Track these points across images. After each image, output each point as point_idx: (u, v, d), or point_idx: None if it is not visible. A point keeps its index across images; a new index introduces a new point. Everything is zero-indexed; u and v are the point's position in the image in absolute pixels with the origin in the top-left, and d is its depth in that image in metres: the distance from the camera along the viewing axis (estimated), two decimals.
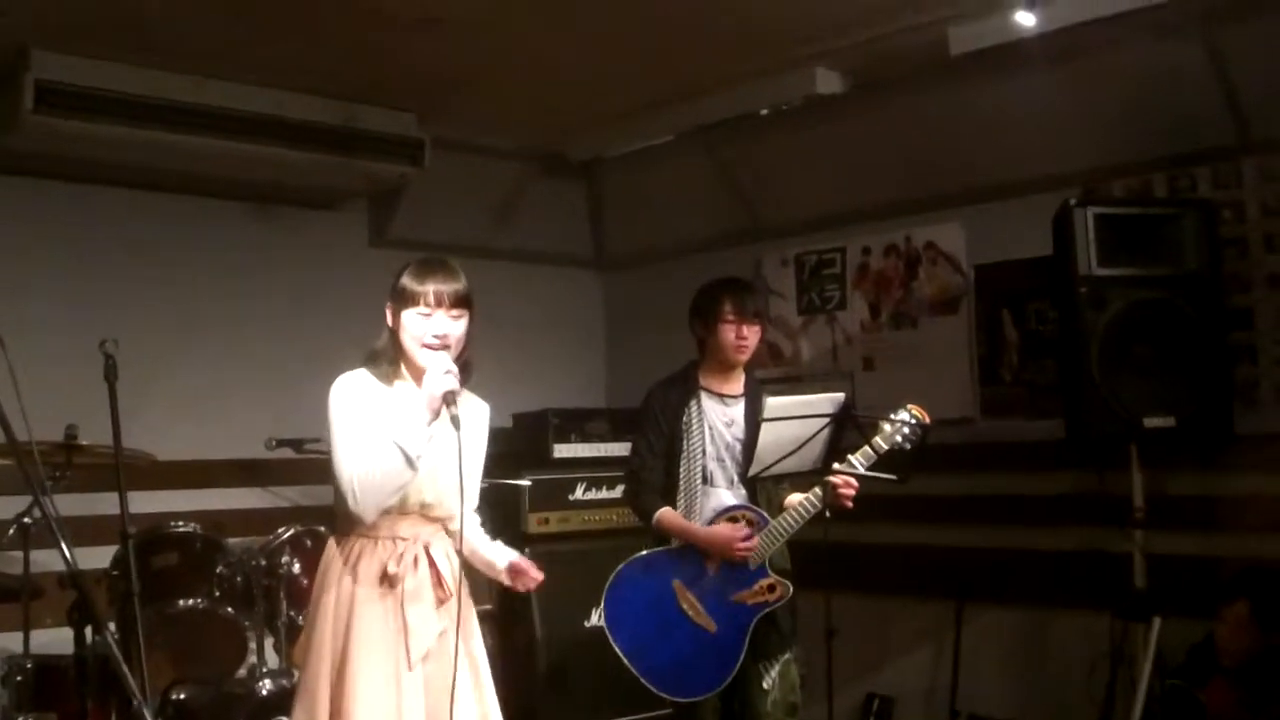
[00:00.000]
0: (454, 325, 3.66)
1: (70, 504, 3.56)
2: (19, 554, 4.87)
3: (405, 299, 3.63)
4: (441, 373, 3.54)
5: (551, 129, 7.18)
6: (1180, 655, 5.05)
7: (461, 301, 3.67)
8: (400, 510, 3.63)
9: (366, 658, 3.54)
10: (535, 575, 3.91)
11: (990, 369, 6.35)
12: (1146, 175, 5.75)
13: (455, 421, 3.51)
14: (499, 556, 3.93)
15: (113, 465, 4.27)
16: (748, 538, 4.61)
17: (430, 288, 3.62)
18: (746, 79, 6.23)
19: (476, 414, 3.86)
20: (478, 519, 3.97)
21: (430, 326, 3.62)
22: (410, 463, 3.50)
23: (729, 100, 6.46)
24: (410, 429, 3.50)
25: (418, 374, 3.66)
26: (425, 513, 3.69)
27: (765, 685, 4.66)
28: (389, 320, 3.70)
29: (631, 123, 6.93)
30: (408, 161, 6.62)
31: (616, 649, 4.63)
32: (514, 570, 3.90)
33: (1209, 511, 5.47)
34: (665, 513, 4.71)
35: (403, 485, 3.55)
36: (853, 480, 4.56)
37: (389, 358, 3.71)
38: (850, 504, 4.56)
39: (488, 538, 3.99)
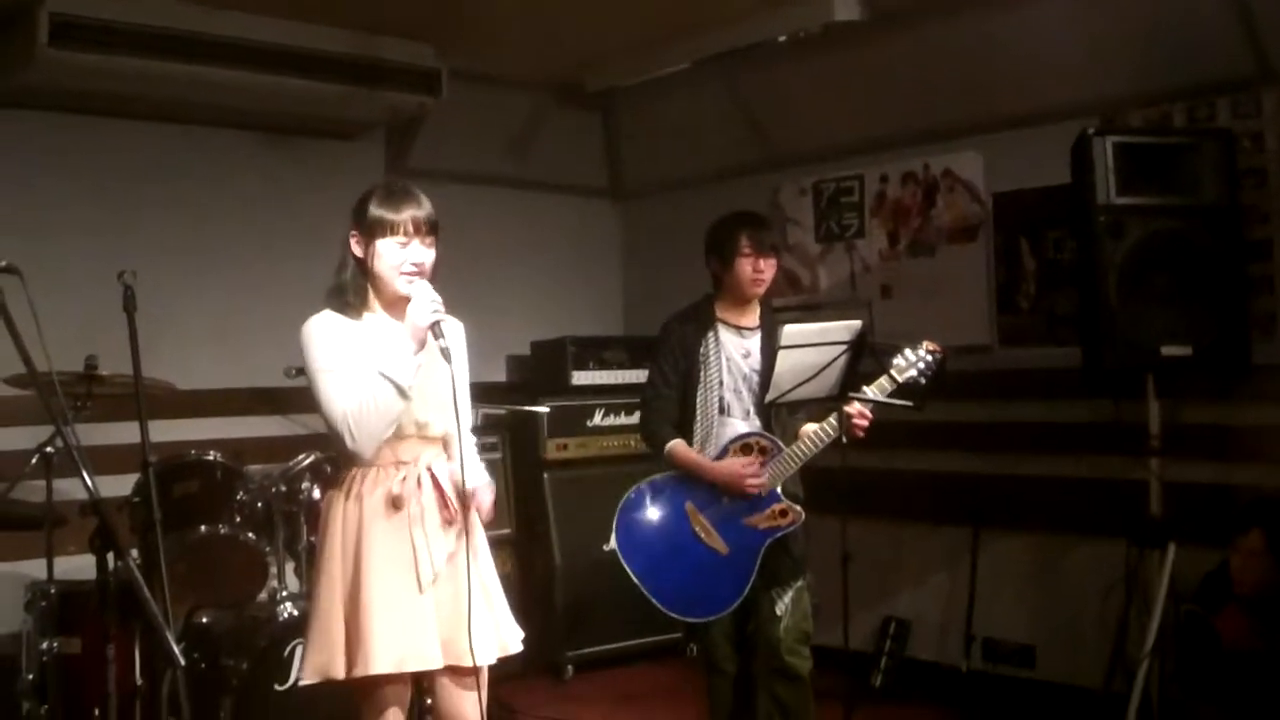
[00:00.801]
0: (429, 253, 3.65)
1: (91, 434, 3.60)
2: (41, 483, 4.91)
3: (379, 228, 3.59)
4: (428, 303, 3.54)
5: (568, 59, 7.15)
6: (1194, 582, 5.07)
7: (435, 228, 3.66)
8: (397, 435, 3.62)
9: (380, 580, 3.55)
10: (484, 513, 3.84)
11: (1008, 297, 6.34)
12: (1165, 105, 5.70)
13: (446, 354, 3.52)
14: (469, 475, 3.77)
15: (132, 395, 4.30)
16: (757, 473, 4.63)
17: (407, 215, 3.59)
18: (763, 6, 6.19)
19: (454, 334, 3.79)
20: (473, 439, 3.97)
21: (408, 255, 3.60)
22: (402, 393, 3.50)
23: (746, 28, 6.41)
24: (398, 360, 3.50)
25: (389, 302, 3.67)
26: (422, 433, 3.69)
27: (779, 611, 4.69)
28: (356, 250, 3.66)
29: (647, 52, 6.90)
30: (425, 92, 6.62)
31: (628, 570, 4.65)
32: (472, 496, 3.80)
33: (1224, 441, 5.49)
34: (677, 444, 4.72)
35: (396, 417, 3.55)
36: (867, 412, 4.58)
37: (355, 289, 3.67)
38: (863, 434, 4.58)
39: (473, 456, 3.93)
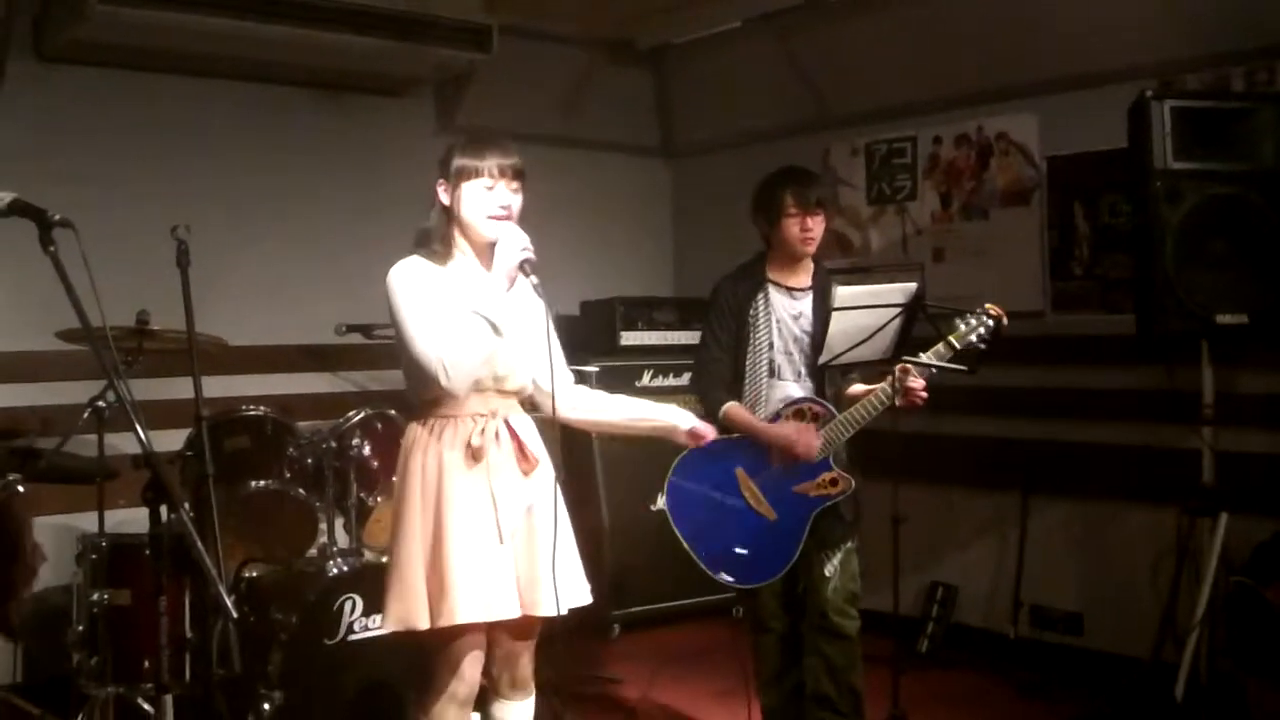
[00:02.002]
0: (515, 198, 3.68)
1: (141, 389, 3.60)
2: (93, 437, 4.95)
3: (465, 174, 3.64)
4: (517, 242, 3.57)
5: (619, 15, 7.11)
6: (1246, 553, 5.04)
7: (520, 174, 3.69)
8: (475, 387, 3.64)
9: (461, 531, 3.59)
10: (709, 433, 4.03)
11: (1061, 262, 6.29)
12: (1223, 68, 5.62)
13: (538, 290, 3.57)
14: (671, 415, 4.00)
15: (183, 350, 4.31)
16: (810, 442, 4.59)
17: (493, 161, 3.63)
18: None
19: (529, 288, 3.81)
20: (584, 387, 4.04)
21: (495, 198, 3.63)
22: (496, 329, 3.52)
23: None
24: (490, 298, 3.52)
25: (477, 248, 3.70)
26: (499, 386, 3.71)
27: (827, 572, 4.67)
28: (444, 199, 3.70)
29: (699, 9, 6.86)
30: (474, 48, 6.59)
31: (677, 534, 4.65)
32: (695, 434, 3.99)
33: (1279, 410, 5.43)
34: (732, 407, 4.69)
35: (490, 355, 3.57)
36: (922, 381, 4.54)
37: (441, 235, 3.71)
38: (920, 404, 4.55)
39: (630, 398, 4.08)
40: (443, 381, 3.51)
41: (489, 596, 3.58)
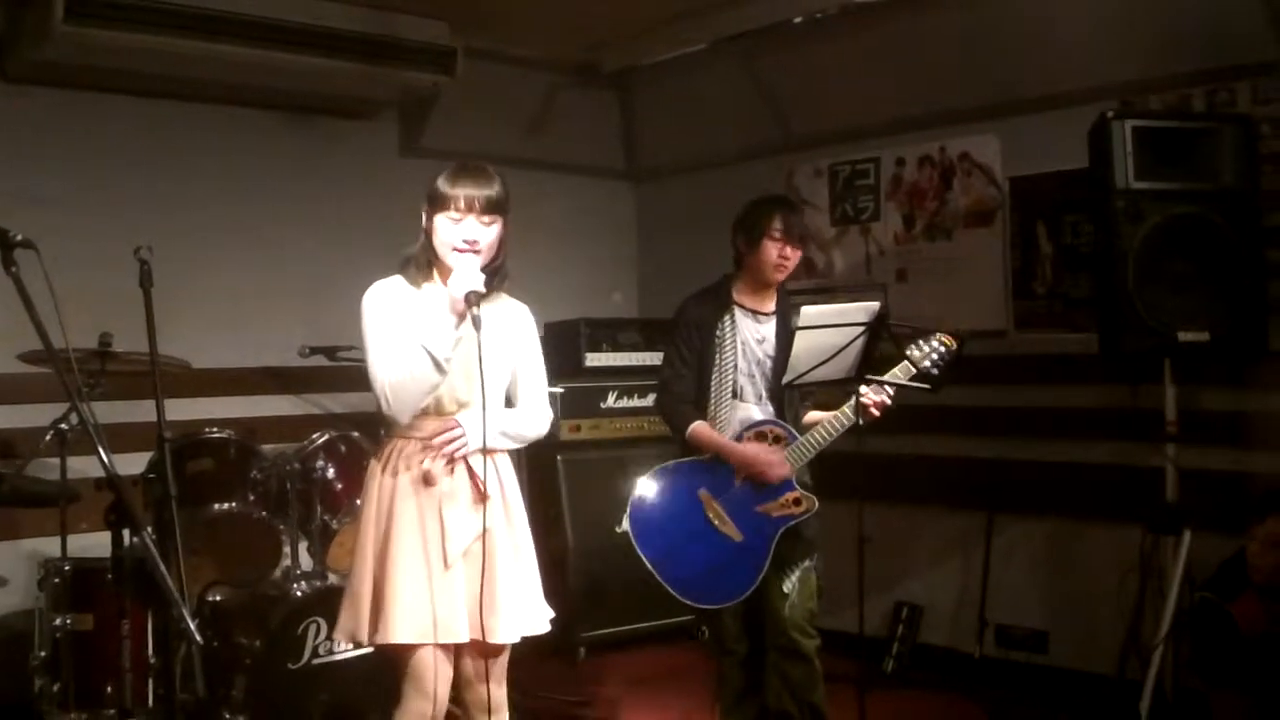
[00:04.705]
0: (484, 231, 3.66)
1: (104, 412, 3.58)
2: (55, 460, 4.92)
3: (438, 203, 3.65)
4: (465, 275, 3.58)
5: (584, 38, 7.13)
6: (1210, 569, 5.04)
7: (493, 207, 3.67)
8: (438, 411, 3.69)
9: (405, 554, 3.62)
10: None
11: (1024, 282, 6.32)
12: (1185, 89, 5.66)
13: (476, 322, 3.54)
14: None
15: (146, 373, 4.28)
16: (780, 461, 4.61)
17: (461, 192, 3.63)
18: None
19: (513, 315, 3.90)
20: (549, 414, 4.00)
21: (460, 231, 3.64)
22: (438, 366, 3.55)
23: (763, 8, 6.39)
24: (436, 332, 3.55)
25: (447, 275, 3.69)
26: (464, 409, 3.73)
27: (785, 589, 4.68)
28: (425, 223, 3.72)
29: (664, 31, 6.88)
30: (439, 71, 6.58)
31: (642, 556, 4.65)
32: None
33: (1241, 427, 5.48)
34: (699, 427, 4.71)
35: (433, 388, 3.61)
36: (886, 398, 4.56)
37: (421, 260, 3.75)
38: (879, 414, 4.56)
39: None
40: (385, 408, 3.62)
41: (430, 619, 3.59)
